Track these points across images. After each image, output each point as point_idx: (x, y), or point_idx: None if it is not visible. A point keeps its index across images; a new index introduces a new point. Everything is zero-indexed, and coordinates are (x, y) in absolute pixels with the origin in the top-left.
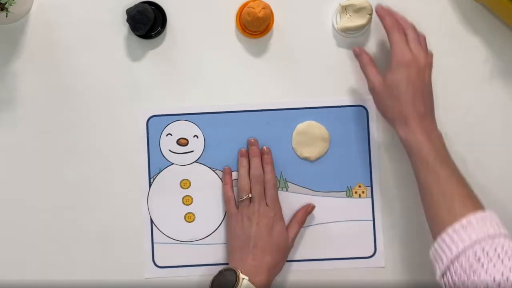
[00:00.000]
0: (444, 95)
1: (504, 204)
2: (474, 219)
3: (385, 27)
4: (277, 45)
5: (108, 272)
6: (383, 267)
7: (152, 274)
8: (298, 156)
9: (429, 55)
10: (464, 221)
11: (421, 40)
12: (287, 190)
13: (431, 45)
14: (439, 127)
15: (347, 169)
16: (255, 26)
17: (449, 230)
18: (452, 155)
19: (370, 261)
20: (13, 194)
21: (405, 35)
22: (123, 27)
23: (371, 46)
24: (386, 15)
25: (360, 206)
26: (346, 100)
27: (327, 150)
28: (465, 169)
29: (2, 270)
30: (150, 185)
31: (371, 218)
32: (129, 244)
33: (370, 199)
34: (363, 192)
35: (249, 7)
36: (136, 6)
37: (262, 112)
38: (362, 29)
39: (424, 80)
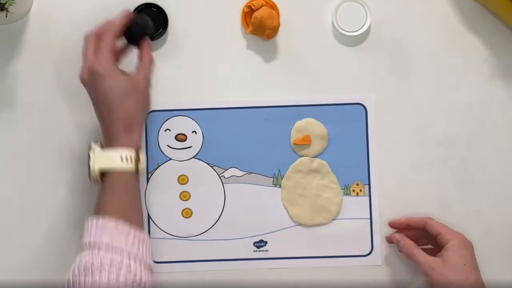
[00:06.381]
0: (444, 95)
1: (504, 204)
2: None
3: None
4: (277, 43)
5: None
6: (379, 265)
7: None
8: (296, 153)
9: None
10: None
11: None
12: None
13: (431, 45)
14: (439, 127)
15: (345, 167)
16: (263, 33)
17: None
18: (452, 155)
19: (367, 259)
20: (13, 193)
21: (433, 224)
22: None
23: (371, 44)
24: (408, 220)
25: (357, 204)
26: (345, 98)
27: (325, 148)
28: (465, 169)
29: (2, 270)
30: (147, 180)
31: (369, 217)
32: None
33: (367, 197)
34: (360, 190)
35: (264, 18)
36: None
37: (261, 109)
38: (361, 30)
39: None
